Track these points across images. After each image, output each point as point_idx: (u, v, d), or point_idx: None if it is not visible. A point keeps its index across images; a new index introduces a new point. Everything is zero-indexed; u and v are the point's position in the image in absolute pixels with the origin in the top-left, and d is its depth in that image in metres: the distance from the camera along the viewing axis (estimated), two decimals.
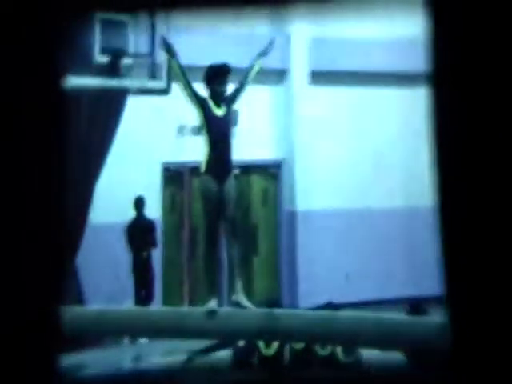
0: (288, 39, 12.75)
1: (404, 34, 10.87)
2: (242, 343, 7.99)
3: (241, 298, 6.31)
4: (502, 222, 1.69)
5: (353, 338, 5.82)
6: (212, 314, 6.16)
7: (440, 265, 1.74)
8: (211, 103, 6.42)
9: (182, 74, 6.40)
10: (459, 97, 1.70)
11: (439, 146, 1.72)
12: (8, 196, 1.79)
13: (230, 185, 6.40)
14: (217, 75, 6.44)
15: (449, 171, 1.71)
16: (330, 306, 7.57)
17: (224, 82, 6.45)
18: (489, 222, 1.70)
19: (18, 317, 1.79)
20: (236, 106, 7.05)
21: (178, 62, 6.44)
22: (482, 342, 1.71)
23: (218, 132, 6.36)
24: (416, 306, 7.37)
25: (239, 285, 6.35)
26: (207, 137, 6.37)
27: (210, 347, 8.29)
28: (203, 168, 6.41)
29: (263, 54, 6.73)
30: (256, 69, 6.66)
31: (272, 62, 12.26)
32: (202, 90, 6.57)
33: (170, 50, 6.47)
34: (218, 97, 6.43)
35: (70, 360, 9.61)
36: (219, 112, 6.43)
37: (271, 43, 6.76)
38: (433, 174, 1.71)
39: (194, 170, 11.66)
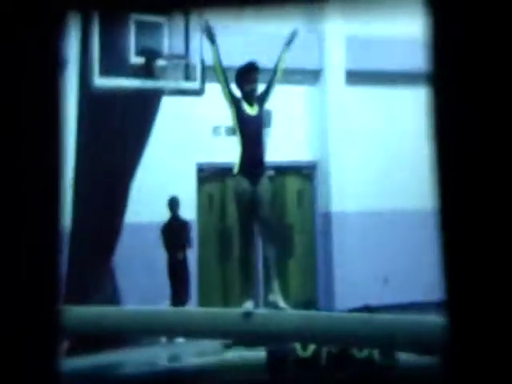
0: (323, 38, 12.71)
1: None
2: (277, 345, 7.99)
3: (278, 298, 6.30)
4: (504, 221, 1.68)
5: (390, 342, 5.79)
6: (248, 315, 6.16)
7: (440, 266, 1.74)
8: (244, 103, 6.43)
9: (219, 63, 6.40)
10: (460, 96, 1.69)
11: (440, 147, 1.71)
12: (5, 196, 1.79)
13: (264, 185, 6.39)
14: (246, 74, 6.45)
15: (450, 172, 1.70)
16: (367, 309, 7.54)
17: (253, 81, 6.46)
18: (491, 223, 1.69)
19: (16, 317, 1.79)
20: (269, 106, 7.03)
21: (217, 49, 6.44)
22: (481, 343, 1.70)
23: (251, 132, 6.36)
24: None
25: (276, 285, 6.34)
26: (240, 137, 6.38)
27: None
28: (236, 168, 6.41)
29: (288, 44, 6.70)
30: (283, 61, 6.64)
31: (307, 61, 12.31)
32: (235, 91, 6.58)
33: (211, 35, 6.45)
34: (250, 96, 6.44)
35: (107, 358, 9.70)
36: (252, 111, 6.43)
37: (295, 33, 6.72)
38: (433, 175, 1.71)
39: (228, 170, 11.67)
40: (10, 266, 1.79)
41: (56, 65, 1.82)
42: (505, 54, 1.69)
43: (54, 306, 1.83)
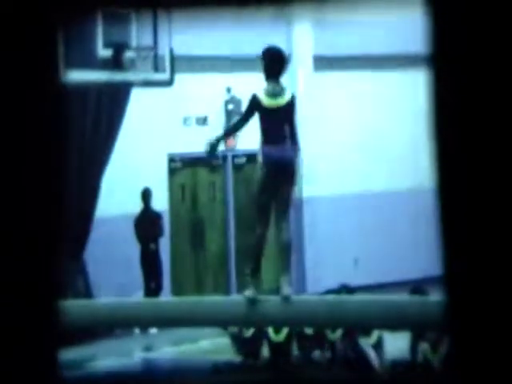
0: (290, 24, 12.72)
1: (407, 15, 10.84)
2: (250, 331, 8.05)
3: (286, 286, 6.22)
4: (501, 202, 1.70)
5: (362, 321, 5.87)
6: (252, 302, 5.99)
7: (439, 245, 1.74)
8: (265, 95, 6.05)
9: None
10: (459, 79, 1.71)
11: (438, 129, 1.73)
12: (7, 192, 1.80)
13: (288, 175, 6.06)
14: (277, 63, 6.12)
15: (448, 154, 1.72)
16: (345, 288, 7.64)
17: (282, 71, 6.15)
18: (489, 204, 1.71)
19: (17, 312, 1.79)
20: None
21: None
22: (480, 321, 1.71)
23: (271, 123, 6.01)
24: (417, 287, 7.46)
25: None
26: (262, 128, 6.02)
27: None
28: (260, 161, 6.03)
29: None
30: None
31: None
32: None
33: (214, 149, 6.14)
34: (275, 86, 6.08)
35: (81, 351, 9.70)
36: (275, 102, 6.07)
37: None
38: (432, 156, 1.72)
39: (199, 160, 11.70)
40: (10, 260, 1.78)
41: (56, 65, 1.83)
42: (503, 39, 1.70)
43: (55, 301, 1.83)
